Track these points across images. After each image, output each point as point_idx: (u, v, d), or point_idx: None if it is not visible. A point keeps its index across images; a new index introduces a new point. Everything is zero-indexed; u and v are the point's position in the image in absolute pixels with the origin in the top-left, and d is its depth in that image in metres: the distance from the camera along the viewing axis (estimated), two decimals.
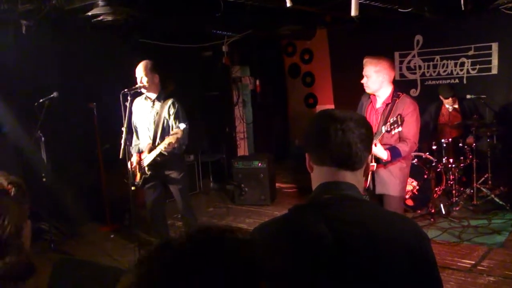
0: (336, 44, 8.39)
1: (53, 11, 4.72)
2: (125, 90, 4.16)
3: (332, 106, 8.36)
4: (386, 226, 1.28)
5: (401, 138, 3.64)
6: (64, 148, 5.57)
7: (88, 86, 5.83)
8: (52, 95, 4.84)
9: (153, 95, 4.44)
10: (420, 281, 1.24)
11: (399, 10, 5.43)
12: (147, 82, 4.32)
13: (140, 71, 4.33)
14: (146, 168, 4.38)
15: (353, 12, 4.58)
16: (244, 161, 6.89)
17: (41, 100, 4.83)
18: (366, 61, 3.72)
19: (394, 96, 3.69)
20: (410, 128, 3.58)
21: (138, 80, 4.35)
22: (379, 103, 3.77)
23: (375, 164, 3.62)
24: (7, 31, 5.14)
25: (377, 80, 3.67)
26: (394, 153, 3.55)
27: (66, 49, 5.72)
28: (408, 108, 3.59)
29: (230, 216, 6.42)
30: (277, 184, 7.34)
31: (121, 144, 4.16)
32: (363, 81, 3.74)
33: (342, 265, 1.19)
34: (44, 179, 4.87)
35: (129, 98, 4.15)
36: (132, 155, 4.49)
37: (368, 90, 3.78)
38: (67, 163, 5.70)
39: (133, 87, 4.23)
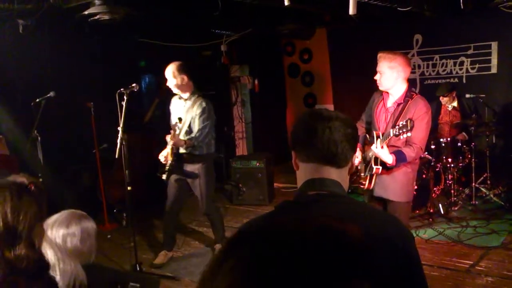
0: (336, 43, 8.37)
1: (50, 10, 4.71)
2: (121, 89, 4.17)
3: (331, 106, 8.33)
4: (369, 222, 1.29)
5: (407, 141, 3.41)
6: (61, 148, 5.55)
7: (85, 86, 5.81)
8: (49, 95, 4.82)
9: (186, 95, 4.58)
10: (404, 278, 1.24)
11: (399, 9, 5.41)
12: (176, 84, 4.44)
13: (169, 73, 4.43)
14: (170, 159, 4.48)
15: (351, 11, 4.57)
16: (243, 161, 6.87)
17: (37, 100, 4.80)
18: (380, 56, 3.48)
19: (407, 96, 3.45)
20: (418, 132, 3.32)
21: (169, 83, 4.46)
22: (391, 102, 3.55)
23: (380, 167, 3.45)
24: (4, 30, 5.12)
25: (391, 76, 3.42)
26: (399, 157, 3.34)
27: (63, 49, 5.70)
28: (419, 111, 3.36)
29: (228, 216, 6.40)
30: (275, 184, 7.31)
31: (117, 144, 4.16)
32: (376, 77, 3.50)
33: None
34: (40, 179, 4.85)
35: (125, 97, 4.15)
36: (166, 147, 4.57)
37: (381, 88, 3.54)
38: (64, 163, 5.68)
39: (129, 87, 4.23)
